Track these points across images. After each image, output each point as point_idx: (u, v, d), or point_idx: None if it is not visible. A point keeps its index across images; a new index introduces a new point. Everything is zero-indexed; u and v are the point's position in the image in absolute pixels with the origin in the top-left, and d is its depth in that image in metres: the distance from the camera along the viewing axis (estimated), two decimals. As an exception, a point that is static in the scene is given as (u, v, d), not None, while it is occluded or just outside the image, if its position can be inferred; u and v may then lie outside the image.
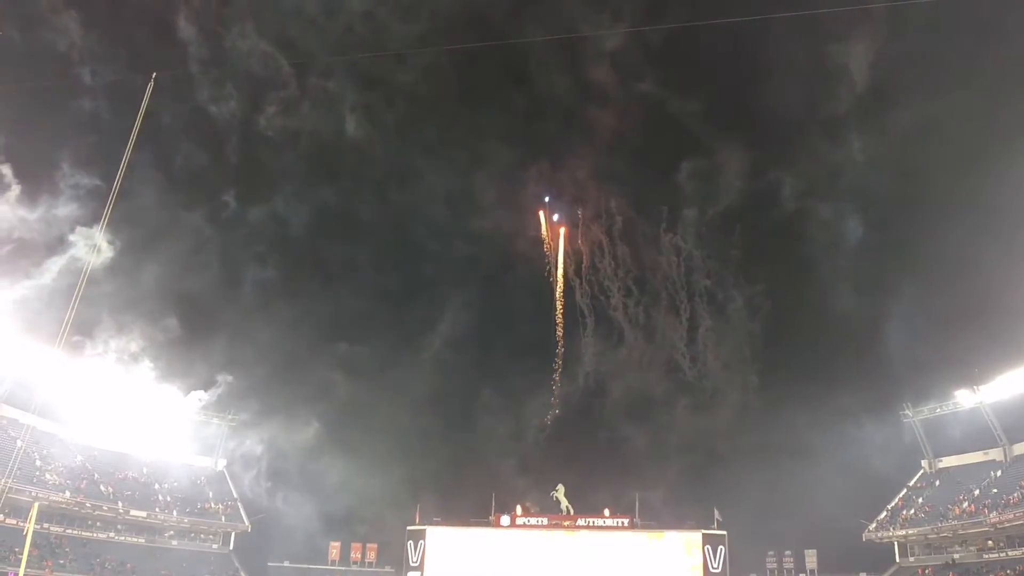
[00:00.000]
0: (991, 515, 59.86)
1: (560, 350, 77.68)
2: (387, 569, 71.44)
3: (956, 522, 62.54)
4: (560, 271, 77.91)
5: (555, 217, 78.83)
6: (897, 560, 66.54)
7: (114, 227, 58.53)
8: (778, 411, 68.29)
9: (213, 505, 72.51)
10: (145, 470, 71.79)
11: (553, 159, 77.39)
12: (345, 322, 76.31)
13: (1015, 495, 59.53)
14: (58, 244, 59.75)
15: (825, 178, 72.24)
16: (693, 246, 76.06)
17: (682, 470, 70.35)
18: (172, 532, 69.80)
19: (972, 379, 64.94)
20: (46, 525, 60.50)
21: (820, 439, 64.34)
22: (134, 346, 66.86)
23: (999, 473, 64.40)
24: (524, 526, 69.58)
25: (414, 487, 71.52)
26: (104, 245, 57.69)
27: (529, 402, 77.30)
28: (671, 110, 72.00)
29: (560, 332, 77.86)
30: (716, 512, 66.41)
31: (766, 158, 72.00)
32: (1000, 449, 65.77)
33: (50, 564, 58.67)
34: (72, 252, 58.10)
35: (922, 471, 71.10)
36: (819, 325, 70.84)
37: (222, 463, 77.25)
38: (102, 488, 66.53)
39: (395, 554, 70.49)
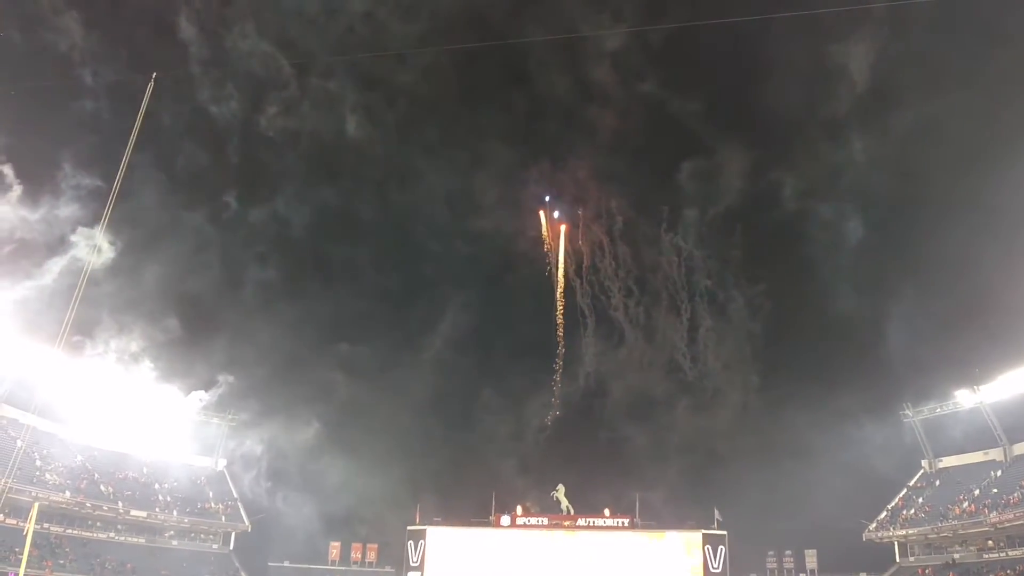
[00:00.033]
0: (991, 515, 59.89)
1: (561, 350, 77.78)
2: (387, 569, 71.44)
3: (956, 522, 62.56)
4: (561, 269, 77.93)
5: (555, 214, 78.86)
6: (897, 560, 66.57)
7: (115, 227, 58.73)
8: (778, 411, 68.47)
9: (213, 505, 72.52)
10: (145, 470, 71.78)
11: (554, 159, 77.46)
12: (346, 322, 76.37)
13: (1015, 495, 59.56)
14: (59, 245, 59.84)
15: (826, 178, 72.29)
16: (694, 246, 76.11)
17: (682, 470, 70.41)
18: (172, 532, 69.79)
19: (972, 379, 65.05)
20: (46, 525, 60.48)
21: (820, 439, 64.34)
22: (135, 346, 66.96)
23: (999, 473, 64.43)
24: (524, 526, 69.58)
25: (414, 487, 71.65)
26: (105, 245, 57.84)
27: (529, 402, 77.38)
28: (672, 110, 72.01)
29: (561, 332, 77.94)
30: (716, 512, 66.44)
31: (767, 158, 72.05)
32: (1000, 449, 65.81)
33: (50, 564, 58.66)
34: (73, 253, 58.08)
35: (922, 471, 71.14)
36: (820, 325, 70.99)
37: (222, 463, 77.25)
38: (102, 488, 66.51)
39: (395, 554, 70.56)
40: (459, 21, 70.38)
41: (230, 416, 75.30)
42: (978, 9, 57.39)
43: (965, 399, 66.26)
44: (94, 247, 51.04)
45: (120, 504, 66.27)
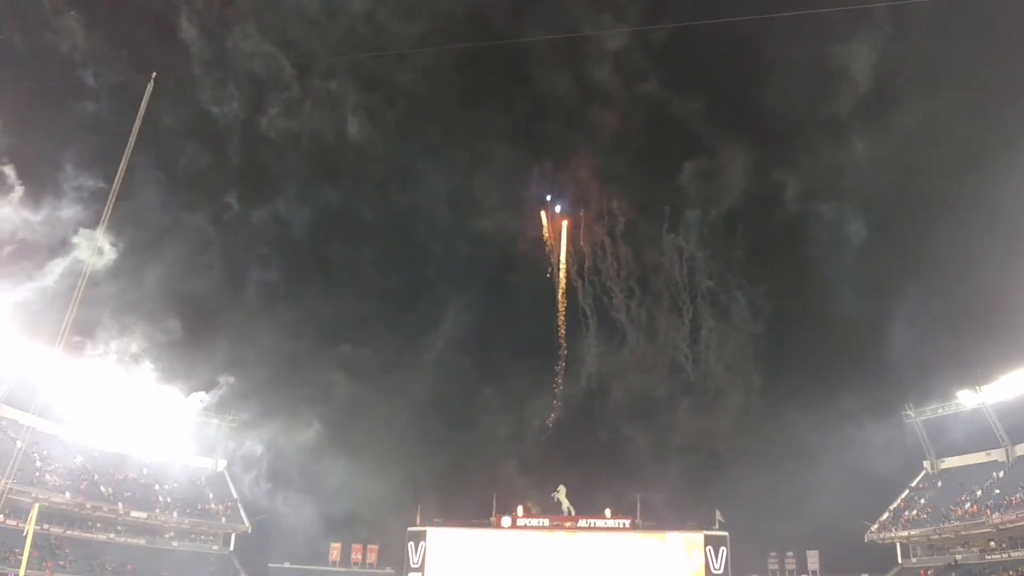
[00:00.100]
0: (993, 516, 59.79)
1: (562, 351, 77.71)
2: (388, 570, 71.23)
3: (958, 523, 62.44)
4: (562, 267, 77.80)
5: (557, 209, 78.78)
6: (899, 561, 66.48)
7: (116, 228, 58.81)
8: (780, 412, 68.28)
9: (213, 506, 72.39)
10: (145, 471, 71.63)
11: (555, 159, 77.46)
12: (347, 323, 76.30)
13: (1017, 496, 59.45)
14: (61, 246, 59.72)
15: (828, 179, 72.28)
16: (696, 247, 76.08)
17: (684, 471, 70.36)
18: (172, 533, 69.60)
19: (974, 380, 64.94)
20: (46, 526, 60.28)
21: (822, 440, 64.22)
22: (135, 347, 66.80)
23: (1001, 474, 64.36)
24: (525, 527, 69.44)
25: (415, 488, 71.50)
26: (106, 246, 57.79)
27: (530, 403, 77.30)
28: (673, 110, 71.96)
29: (562, 333, 77.87)
30: (718, 513, 66.40)
31: (769, 159, 72.08)
32: (1002, 450, 65.73)
33: (50, 565, 58.50)
34: (75, 254, 57.95)
35: (924, 472, 71.08)
36: (821, 326, 70.88)
37: (222, 464, 77.10)
38: (102, 489, 66.37)
39: (396, 555, 70.34)
40: (460, 21, 70.49)
41: (230, 417, 75.19)
42: (980, 9, 57.30)
43: (967, 400, 66.16)
44: (95, 248, 50.77)
45: (120, 505, 66.11)
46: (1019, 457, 64.60)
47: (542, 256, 78.35)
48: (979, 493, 63.70)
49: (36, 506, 47.59)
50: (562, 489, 70.23)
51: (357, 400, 72.70)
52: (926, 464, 71.05)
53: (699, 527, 66.56)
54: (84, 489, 64.56)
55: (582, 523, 69.03)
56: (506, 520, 69.43)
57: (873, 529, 67.84)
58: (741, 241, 74.63)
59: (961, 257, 60.68)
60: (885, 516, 68.64)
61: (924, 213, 65.70)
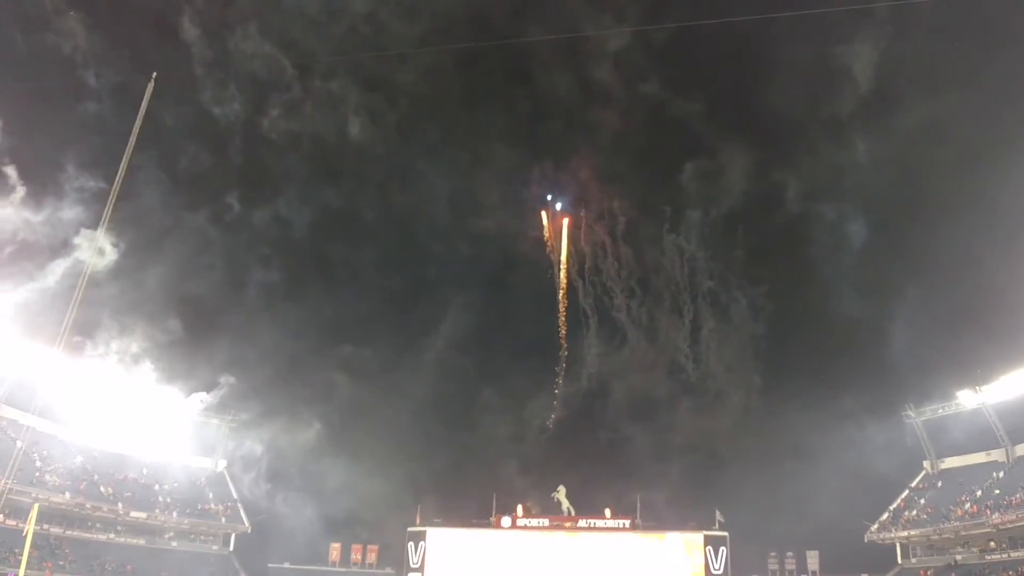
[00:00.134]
0: (993, 516, 59.78)
1: (563, 352, 77.71)
2: (388, 570, 71.16)
3: (958, 523, 62.44)
4: (563, 264, 77.82)
5: (558, 205, 78.75)
6: (899, 561, 66.49)
7: (118, 229, 58.79)
8: (780, 412, 68.25)
9: (213, 506, 72.34)
10: (145, 471, 71.57)
11: (556, 160, 77.47)
12: (347, 323, 76.17)
13: (1017, 496, 59.44)
14: (62, 247, 59.64)
15: (829, 179, 72.26)
16: (696, 247, 76.11)
17: (684, 471, 70.27)
18: (172, 533, 69.55)
19: (975, 380, 64.87)
20: (46, 526, 60.20)
21: (822, 440, 64.19)
22: (135, 347, 66.73)
23: (1001, 474, 64.36)
24: (525, 527, 69.38)
25: (415, 488, 71.43)
26: (107, 247, 57.74)
27: (531, 403, 77.29)
28: (674, 111, 72.00)
29: (563, 333, 77.86)
30: (718, 513, 66.32)
31: (770, 159, 72.06)
32: (1002, 450, 65.71)
33: (50, 565, 58.46)
34: (76, 255, 57.89)
35: (924, 472, 71.07)
36: (822, 326, 70.85)
37: (222, 464, 77.02)
38: (102, 489, 66.31)
39: (396, 555, 70.27)
40: (461, 21, 70.51)
41: (230, 417, 75.13)
42: (981, 9, 57.32)
43: (967, 400, 66.13)
44: (95, 248, 50.71)
45: (120, 505, 66.05)
46: (1019, 457, 64.60)
47: (543, 256, 78.51)
48: (979, 493, 63.70)
49: (36, 506, 47.47)
50: (562, 489, 70.18)
51: (357, 400, 72.78)
52: (926, 464, 71.05)
53: (699, 527, 66.51)
54: (84, 489, 64.50)
55: (582, 523, 68.99)
56: (506, 520, 69.38)
57: (873, 529, 67.84)
58: (742, 241, 74.84)
59: (962, 257, 60.71)
60: (885, 516, 68.63)
61: (925, 213, 65.73)
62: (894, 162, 68.79)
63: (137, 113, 29.79)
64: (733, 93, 71.61)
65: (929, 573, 63.52)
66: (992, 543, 60.53)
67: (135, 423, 70.51)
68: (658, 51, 70.16)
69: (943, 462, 70.41)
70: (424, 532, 69.11)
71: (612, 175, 77.38)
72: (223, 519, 71.85)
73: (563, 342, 77.82)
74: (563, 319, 77.76)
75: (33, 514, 45.30)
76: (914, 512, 67.12)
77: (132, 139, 30.16)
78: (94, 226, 56.22)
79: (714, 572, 64.80)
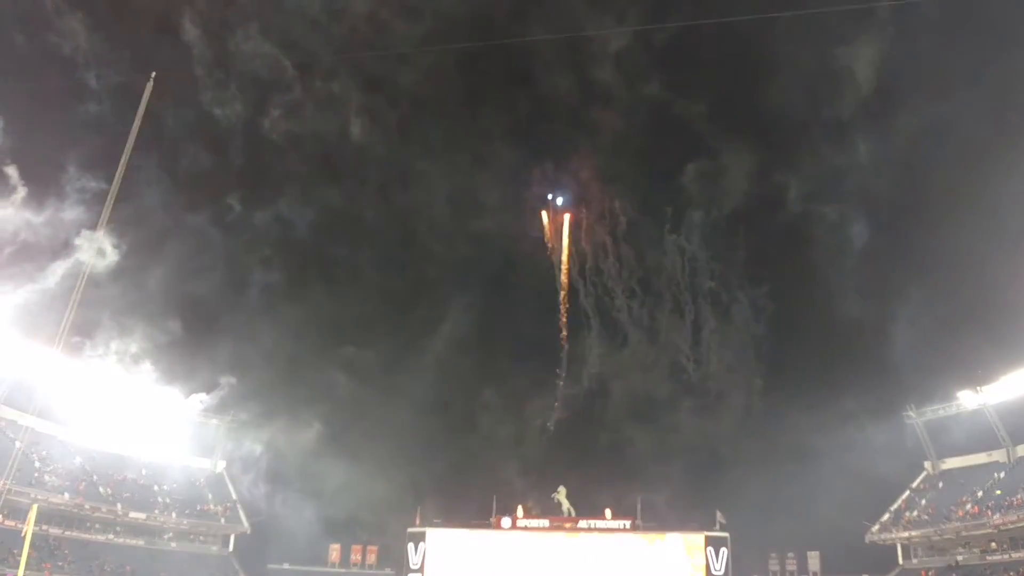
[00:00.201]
0: (994, 517, 59.74)
1: (564, 352, 77.63)
2: (387, 571, 71.04)
3: (959, 524, 62.40)
4: (564, 264, 77.69)
5: (559, 201, 78.58)
6: (900, 562, 66.41)
7: (118, 229, 58.58)
8: (781, 413, 68.20)
9: (212, 507, 72.19)
10: (144, 472, 71.42)
11: (557, 160, 77.41)
12: (348, 324, 75.96)
13: (1018, 496, 59.40)
14: (63, 247, 59.41)
15: (830, 180, 72.19)
16: (698, 248, 76.08)
17: (685, 472, 70.16)
18: (171, 534, 69.39)
19: (975, 380, 64.74)
20: (45, 527, 60.00)
21: (823, 441, 64.06)
22: (135, 348, 66.52)
23: (1002, 475, 64.30)
24: (525, 528, 69.35)
25: (415, 489, 71.29)
26: (107, 247, 57.53)
27: (531, 404, 77.18)
28: (676, 111, 71.91)
29: (564, 333, 77.75)
30: (719, 514, 66.31)
31: (771, 160, 71.99)
32: (1003, 450, 65.59)
33: (49, 566, 58.29)
34: (77, 256, 57.63)
35: (925, 473, 70.98)
36: (823, 327, 70.73)
37: (221, 465, 76.85)
38: (101, 490, 66.15)
39: (396, 556, 70.15)
40: (462, 22, 70.35)
41: (229, 418, 74.96)
42: (983, 10, 57.30)
43: (968, 400, 66.04)
44: (95, 249, 50.59)
45: (119, 506, 65.88)
46: (1020, 458, 64.51)
47: (543, 257, 78.45)
48: (980, 494, 63.66)
49: (35, 507, 47.21)
50: (562, 490, 70.11)
51: (357, 401, 72.58)
52: (927, 465, 70.97)
53: (700, 528, 66.49)
54: (83, 490, 64.33)
55: (582, 524, 68.94)
56: (506, 521, 69.30)
57: (874, 530, 67.77)
58: (743, 242, 74.82)
59: (963, 258, 60.58)
60: (886, 517, 68.53)
61: (926, 214, 65.65)
62: (895, 163, 68.86)
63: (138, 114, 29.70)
64: (734, 94, 71.58)
65: (930, 574, 63.46)
66: (993, 544, 60.48)
67: (134, 424, 70.33)
68: (659, 51, 70.22)
69: (944, 463, 70.34)
70: (424, 533, 69.00)
71: (613, 175, 77.45)
72: (222, 520, 71.69)
73: (564, 343, 77.87)
74: (564, 319, 77.79)
75: (32, 515, 45.05)
76: (915, 513, 67.08)
77: (131, 139, 30.08)
78: (95, 227, 56.08)
79: (715, 573, 64.82)
